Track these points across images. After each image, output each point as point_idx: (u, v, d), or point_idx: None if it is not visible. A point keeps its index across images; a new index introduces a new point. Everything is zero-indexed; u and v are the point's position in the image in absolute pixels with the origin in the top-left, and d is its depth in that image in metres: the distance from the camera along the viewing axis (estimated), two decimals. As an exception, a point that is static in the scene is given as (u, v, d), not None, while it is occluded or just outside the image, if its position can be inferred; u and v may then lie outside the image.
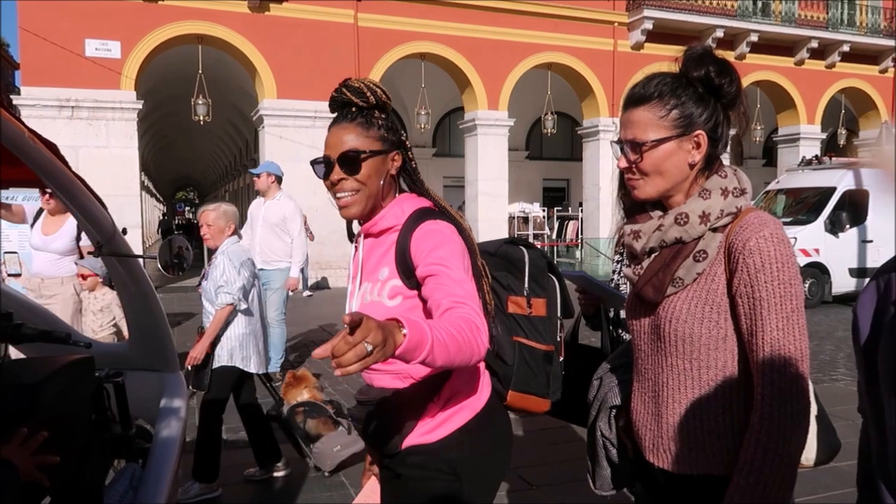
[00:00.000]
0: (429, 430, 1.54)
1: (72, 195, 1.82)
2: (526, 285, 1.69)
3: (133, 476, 2.22)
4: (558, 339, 1.73)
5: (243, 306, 3.93)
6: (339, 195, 1.59)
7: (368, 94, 1.57)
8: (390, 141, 1.60)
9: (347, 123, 1.58)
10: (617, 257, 2.31)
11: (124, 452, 2.33)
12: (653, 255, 1.44)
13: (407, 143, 1.65)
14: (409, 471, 1.56)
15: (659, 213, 1.44)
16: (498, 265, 1.68)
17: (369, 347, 1.10)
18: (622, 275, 1.72)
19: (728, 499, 1.28)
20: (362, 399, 1.67)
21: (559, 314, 1.75)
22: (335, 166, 1.57)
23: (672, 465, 1.41)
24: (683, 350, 1.38)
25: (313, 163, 1.61)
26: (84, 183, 1.82)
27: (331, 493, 3.77)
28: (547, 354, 1.67)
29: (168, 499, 2.14)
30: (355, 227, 1.73)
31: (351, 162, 1.55)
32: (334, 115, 1.64)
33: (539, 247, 2.01)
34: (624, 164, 1.43)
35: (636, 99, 1.40)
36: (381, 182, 1.59)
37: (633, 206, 1.50)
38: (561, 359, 1.76)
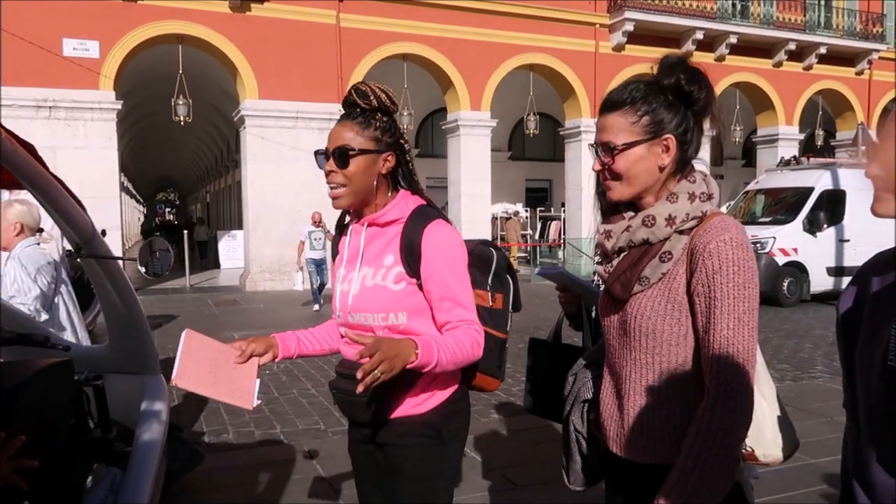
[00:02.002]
0: (419, 403, 1.75)
1: (50, 196, 1.80)
2: (489, 281, 1.92)
3: (114, 480, 2.20)
4: (507, 329, 1.97)
5: (43, 317, 3.38)
6: (330, 186, 1.75)
7: (372, 97, 1.73)
8: (385, 142, 1.75)
9: (348, 121, 1.74)
10: (598, 258, 2.36)
11: (105, 456, 2.31)
12: (622, 255, 1.52)
13: (406, 146, 1.81)
14: (398, 438, 1.76)
15: (631, 214, 1.52)
16: (469, 261, 1.84)
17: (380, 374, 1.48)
18: (596, 273, 1.80)
19: (667, 480, 1.34)
20: (345, 371, 1.78)
21: (510, 308, 2.00)
22: (330, 158, 1.73)
23: (632, 455, 1.48)
24: (647, 345, 1.45)
25: (317, 153, 1.79)
26: (62, 184, 1.80)
27: (312, 496, 3.76)
28: (503, 342, 1.93)
29: (149, 500, 2.12)
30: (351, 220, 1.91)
31: (341, 157, 1.71)
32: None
33: (523, 247, 2.19)
34: (598, 166, 1.51)
35: (611, 104, 1.48)
36: (372, 180, 1.74)
37: (608, 208, 1.59)
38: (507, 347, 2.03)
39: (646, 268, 1.44)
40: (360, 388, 1.46)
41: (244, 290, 14.81)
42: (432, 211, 1.79)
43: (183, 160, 36.50)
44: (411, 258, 1.72)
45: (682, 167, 1.48)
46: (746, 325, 1.35)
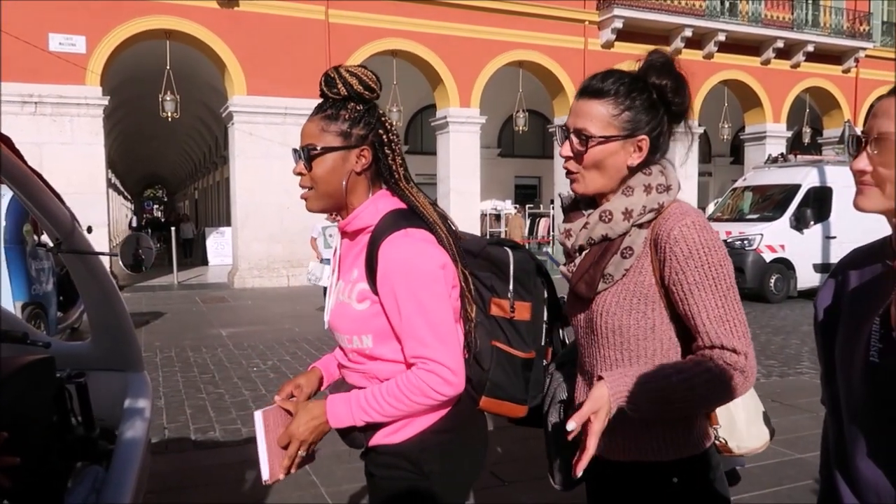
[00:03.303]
0: (393, 431, 1.53)
1: (28, 190, 1.77)
2: (511, 288, 1.62)
3: (96, 478, 2.17)
4: (542, 343, 1.67)
5: None
6: (301, 187, 1.57)
7: (340, 85, 1.51)
8: (357, 136, 1.53)
9: (315, 115, 1.55)
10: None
11: (87, 454, 2.28)
12: (584, 253, 1.49)
13: (385, 137, 1.56)
14: (379, 470, 1.57)
15: (590, 210, 1.50)
16: (482, 266, 1.65)
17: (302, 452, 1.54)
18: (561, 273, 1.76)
19: (654, 382, 1.31)
20: (334, 392, 1.66)
21: (546, 319, 1.68)
22: (299, 159, 1.55)
23: (607, 453, 1.46)
24: (614, 341, 1.43)
25: (294, 151, 1.58)
26: (41, 178, 1.77)
27: (300, 493, 3.74)
28: (526, 361, 1.61)
29: (133, 499, 2.10)
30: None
31: (305, 157, 1.53)
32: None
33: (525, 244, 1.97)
34: (567, 151, 1.45)
35: (592, 91, 1.43)
36: (341, 180, 1.53)
37: (569, 206, 1.56)
38: (546, 363, 1.73)
39: (608, 265, 1.42)
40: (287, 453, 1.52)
41: (232, 287, 14.75)
42: (405, 217, 1.52)
43: (171, 156, 36.26)
44: (371, 274, 1.49)
45: (644, 166, 1.46)
46: (734, 300, 1.34)
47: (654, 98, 1.43)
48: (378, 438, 1.55)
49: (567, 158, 1.46)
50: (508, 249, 1.66)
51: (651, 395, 1.30)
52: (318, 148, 1.52)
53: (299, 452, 1.51)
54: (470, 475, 1.63)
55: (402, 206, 1.56)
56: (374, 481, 1.60)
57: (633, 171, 1.45)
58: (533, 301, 1.63)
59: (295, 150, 1.56)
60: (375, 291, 1.49)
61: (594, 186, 1.46)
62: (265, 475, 1.51)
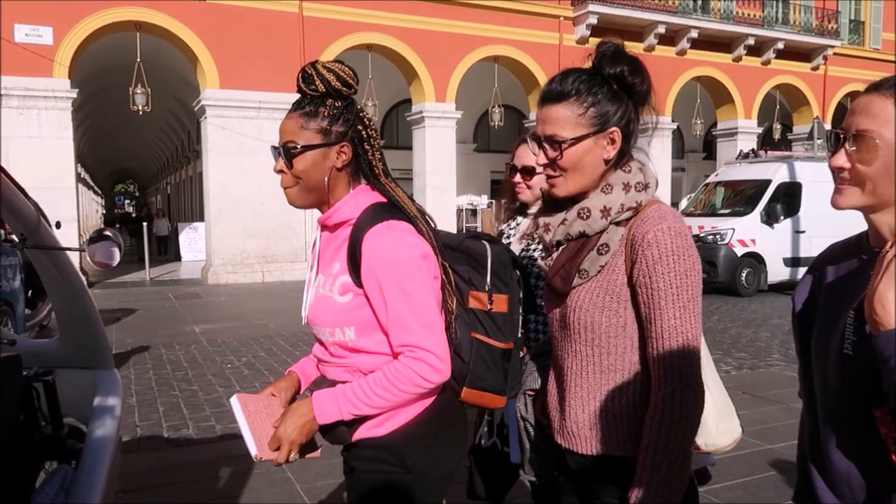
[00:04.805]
0: (377, 424, 1.54)
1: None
2: (488, 281, 1.65)
3: (65, 478, 2.13)
4: (519, 335, 1.70)
5: None
6: (283, 186, 1.58)
7: (318, 81, 1.52)
8: (336, 133, 1.54)
9: (293, 112, 1.55)
10: (539, 252, 2.45)
11: (56, 454, 2.23)
12: (561, 248, 1.51)
13: (364, 133, 1.58)
14: (361, 464, 1.57)
15: (570, 206, 1.50)
16: (460, 259, 1.66)
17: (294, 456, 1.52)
18: (536, 265, 1.79)
19: (637, 478, 1.34)
20: (315, 390, 1.65)
21: (521, 310, 1.72)
22: (279, 157, 1.56)
23: (575, 446, 1.49)
24: (586, 337, 1.45)
25: (273, 148, 1.59)
26: (4, 172, 1.72)
27: (275, 491, 3.71)
28: (505, 352, 1.63)
29: (102, 499, 2.06)
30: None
31: (286, 155, 1.54)
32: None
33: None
34: (543, 160, 1.47)
35: (555, 95, 1.44)
36: (323, 176, 1.55)
37: (550, 201, 1.56)
38: (522, 354, 1.77)
39: (584, 260, 1.43)
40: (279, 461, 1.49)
41: (206, 283, 14.58)
42: (386, 210, 1.55)
43: (142, 151, 35.70)
44: (354, 266, 1.52)
45: (620, 158, 1.47)
46: (692, 312, 1.35)
47: (614, 88, 1.43)
48: (362, 432, 1.54)
49: (544, 166, 1.47)
50: (486, 243, 1.68)
51: (674, 478, 1.33)
52: (299, 146, 1.53)
53: (290, 456, 1.50)
54: (451, 468, 1.64)
55: (383, 199, 1.58)
56: (354, 476, 1.59)
57: (611, 165, 1.46)
58: (510, 293, 1.66)
59: (275, 148, 1.56)
60: (358, 284, 1.51)
61: (575, 187, 1.46)
62: (253, 451, 1.48)
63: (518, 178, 2.32)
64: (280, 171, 1.56)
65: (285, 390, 1.66)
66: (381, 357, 1.53)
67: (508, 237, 2.40)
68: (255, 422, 1.53)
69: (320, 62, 1.56)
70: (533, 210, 2.36)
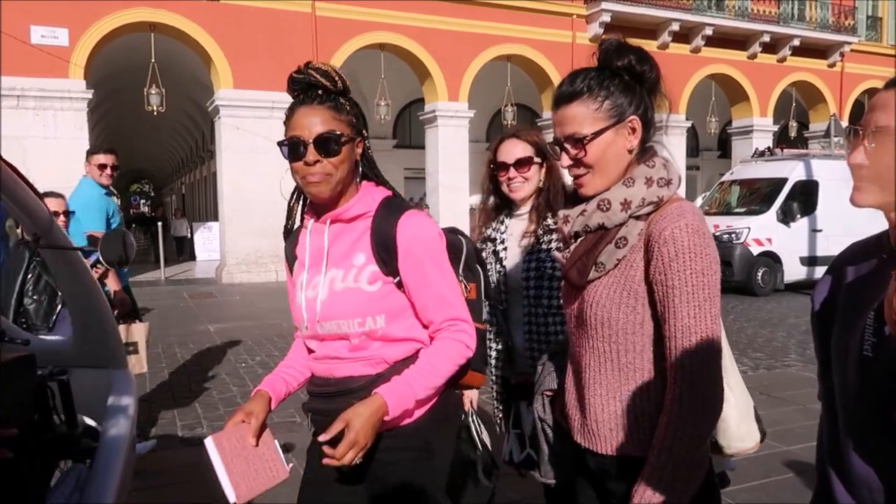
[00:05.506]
0: (408, 414, 1.58)
1: (4, 184, 1.73)
2: (461, 271, 1.81)
3: (79, 477, 2.14)
4: (483, 318, 1.88)
5: None
6: (310, 178, 1.56)
7: (336, 77, 1.58)
8: (357, 127, 1.61)
9: (318, 106, 1.56)
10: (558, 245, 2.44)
11: (70, 453, 2.24)
12: (579, 240, 1.50)
13: (365, 131, 1.66)
14: (384, 454, 1.58)
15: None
16: None
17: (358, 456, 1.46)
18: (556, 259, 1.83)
19: (641, 478, 1.33)
20: (320, 391, 1.66)
21: (483, 297, 1.92)
22: (310, 148, 1.54)
23: (595, 445, 1.47)
24: (603, 333, 1.43)
25: (280, 143, 1.58)
26: (17, 172, 1.73)
27: (288, 490, 3.71)
28: (483, 333, 1.82)
29: (117, 499, 2.07)
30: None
31: (328, 144, 1.54)
32: (296, 96, 1.61)
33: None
34: (567, 161, 1.47)
35: (567, 96, 1.45)
36: (351, 167, 1.61)
37: (571, 195, 1.57)
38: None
39: (602, 253, 1.42)
40: (345, 461, 1.43)
41: (220, 283, 14.66)
42: (402, 202, 1.66)
43: (157, 151, 35.94)
44: (386, 254, 1.57)
45: (643, 150, 1.47)
46: (708, 312, 1.32)
47: (625, 79, 1.43)
48: (389, 423, 1.54)
49: (569, 167, 1.47)
50: (461, 237, 1.87)
51: (677, 482, 1.31)
52: (345, 135, 1.57)
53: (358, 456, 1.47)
54: (455, 441, 1.78)
55: (389, 194, 1.67)
56: (377, 467, 1.60)
57: (635, 157, 1.45)
58: (477, 282, 1.86)
59: (289, 143, 1.55)
60: (387, 272, 1.58)
61: (603, 183, 1.45)
62: (231, 498, 1.47)
63: (513, 172, 2.25)
64: (316, 162, 1.53)
65: (257, 414, 1.63)
66: (409, 343, 1.61)
67: (503, 241, 2.32)
68: (231, 463, 1.52)
69: (314, 63, 1.60)
70: (521, 211, 2.31)
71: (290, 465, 1.64)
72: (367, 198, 1.63)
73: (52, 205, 3.99)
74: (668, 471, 1.30)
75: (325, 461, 1.45)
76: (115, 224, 4.58)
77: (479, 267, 1.90)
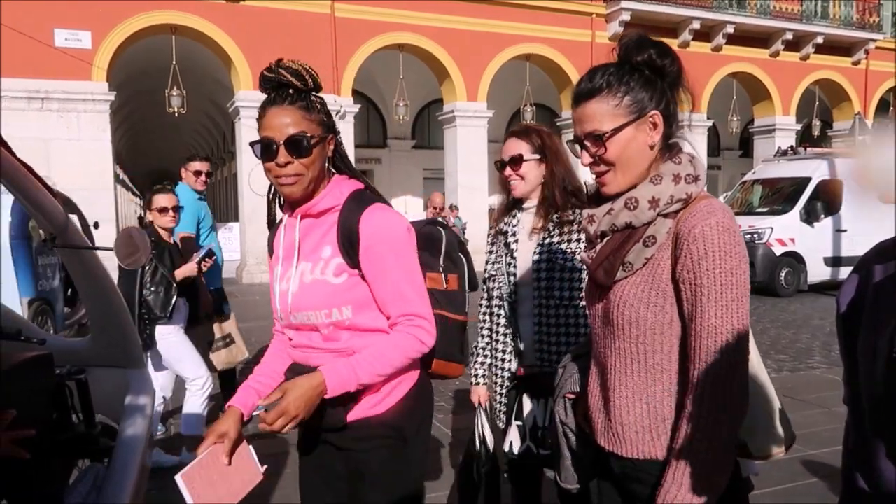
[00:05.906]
0: (377, 402, 1.63)
1: (19, 184, 1.73)
2: (441, 262, 1.84)
3: (97, 476, 2.15)
4: (466, 310, 1.89)
5: None
6: (282, 179, 1.59)
7: (307, 76, 1.60)
8: (328, 125, 1.63)
9: (289, 106, 1.58)
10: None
11: (88, 452, 2.25)
12: (605, 239, 1.46)
13: (335, 126, 1.69)
14: (358, 443, 1.64)
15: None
16: (418, 245, 1.75)
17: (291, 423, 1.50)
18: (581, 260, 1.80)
19: (664, 482, 1.30)
20: (288, 375, 1.69)
21: (467, 288, 1.93)
22: (281, 149, 1.56)
23: (620, 449, 1.43)
24: (630, 333, 1.39)
25: (252, 144, 1.61)
26: (32, 171, 1.73)
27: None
28: (462, 324, 1.84)
29: (133, 498, 2.07)
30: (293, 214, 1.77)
31: (299, 146, 1.55)
32: (268, 95, 1.64)
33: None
34: (588, 159, 1.44)
35: (586, 93, 1.42)
36: (323, 166, 1.63)
37: (594, 194, 1.53)
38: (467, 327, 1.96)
39: (629, 252, 1.38)
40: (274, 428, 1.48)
41: (240, 283, 14.77)
42: (370, 195, 1.67)
43: (178, 151, 36.22)
44: (351, 247, 1.59)
45: (668, 146, 1.43)
46: (735, 312, 1.29)
47: (646, 74, 1.40)
48: (360, 412, 1.62)
49: (590, 165, 1.44)
50: (441, 229, 1.90)
51: (700, 485, 1.28)
52: (315, 136, 1.58)
53: (287, 427, 1.52)
54: (429, 434, 1.78)
55: (360, 186, 1.69)
56: (347, 455, 1.66)
57: (659, 153, 1.42)
58: (459, 273, 1.88)
59: (261, 143, 1.58)
60: (351, 265, 1.60)
61: (626, 181, 1.42)
62: None
63: (508, 171, 2.29)
64: (287, 163, 1.56)
65: (229, 434, 1.65)
66: (376, 334, 1.63)
67: (514, 234, 2.36)
68: (204, 493, 1.53)
69: (286, 60, 1.64)
70: (528, 205, 2.33)
71: (264, 466, 1.70)
72: (336, 191, 1.65)
73: (164, 200, 4.21)
74: (690, 472, 1.27)
75: (260, 426, 1.50)
76: (207, 226, 4.85)
77: (461, 257, 1.91)
